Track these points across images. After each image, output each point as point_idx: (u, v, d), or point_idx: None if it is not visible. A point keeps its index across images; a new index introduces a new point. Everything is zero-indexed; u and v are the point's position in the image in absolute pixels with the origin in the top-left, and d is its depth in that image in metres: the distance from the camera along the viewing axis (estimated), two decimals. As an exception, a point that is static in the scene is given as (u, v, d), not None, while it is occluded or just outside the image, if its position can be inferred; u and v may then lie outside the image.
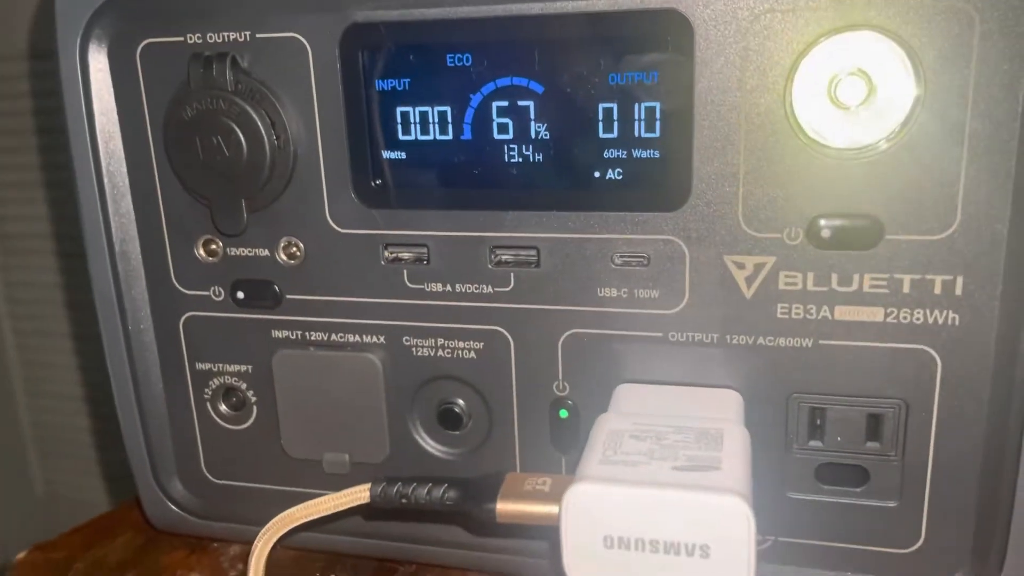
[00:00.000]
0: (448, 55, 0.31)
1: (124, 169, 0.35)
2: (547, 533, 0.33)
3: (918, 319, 0.29)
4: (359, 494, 0.29)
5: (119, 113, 0.35)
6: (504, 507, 0.27)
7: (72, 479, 1.29)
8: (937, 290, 0.29)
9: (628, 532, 0.25)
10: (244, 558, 0.39)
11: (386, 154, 0.32)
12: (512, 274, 0.33)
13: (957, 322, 0.29)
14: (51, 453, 1.33)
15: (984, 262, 0.28)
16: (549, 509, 0.27)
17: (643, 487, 0.25)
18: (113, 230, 0.36)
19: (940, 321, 0.29)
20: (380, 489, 0.29)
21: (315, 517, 0.30)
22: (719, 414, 0.30)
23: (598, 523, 0.25)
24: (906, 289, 0.29)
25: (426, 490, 0.28)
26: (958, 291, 0.29)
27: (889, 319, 0.29)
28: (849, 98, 0.28)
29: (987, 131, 0.27)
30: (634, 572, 0.25)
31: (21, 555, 0.41)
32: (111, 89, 0.34)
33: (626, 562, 0.25)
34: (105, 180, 0.35)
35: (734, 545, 0.24)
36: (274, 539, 0.30)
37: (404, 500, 0.28)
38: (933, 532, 0.31)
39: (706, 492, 0.24)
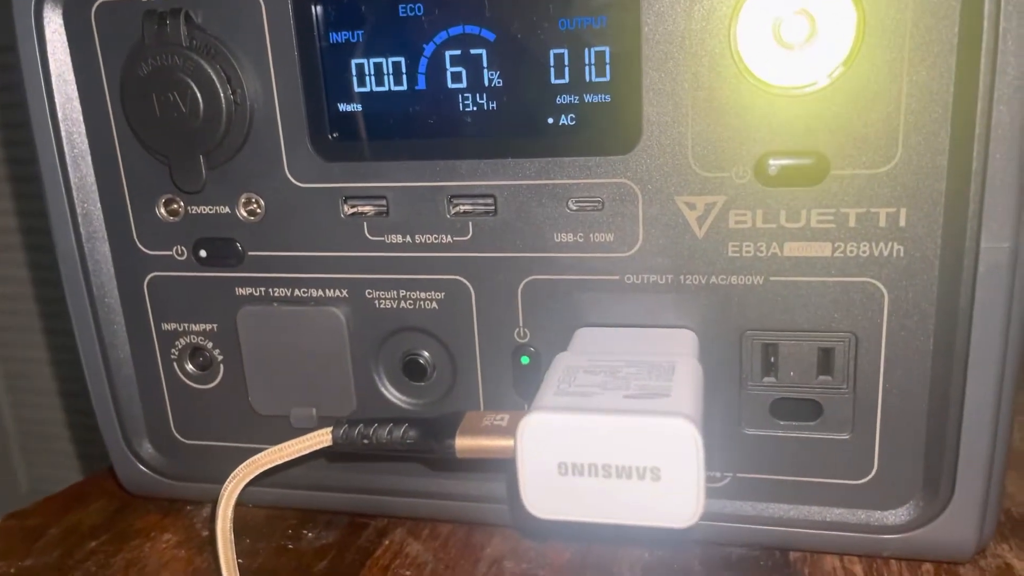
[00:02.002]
0: (400, 5, 0.31)
1: (83, 131, 0.35)
2: (508, 471, 0.33)
3: (864, 252, 0.30)
4: (321, 437, 0.29)
5: (76, 75, 0.35)
6: (463, 442, 0.28)
7: (56, 474, 1.29)
8: (882, 223, 0.30)
9: (582, 458, 0.25)
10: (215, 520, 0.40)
11: (342, 107, 0.33)
12: (470, 223, 0.33)
13: (902, 254, 0.30)
14: (34, 449, 1.33)
15: (926, 193, 0.29)
16: (506, 442, 0.27)
17: (594, 414, 0.25)
18: (74, 192, 0.36)
19: (885, 253, 0.30)
20: (342, 431, 0.29)
21: (280, 462, 0.30)
22: (674, 351, 0.30)
23: (552, 451, 0.25)
24: (852, 223, 0.30)
25: (387, 430, 0.29)
26: (902, 222, 0.29)
27: (837, 253, 0.30)
28: (792, 37, 0.29)
29: (925, 65, 0.28)
30: (589, 497, 0.25)
31: (-6, 523, 0.41)
32: (67, 51, 0.34)
33: (581, 488, 0.25)
34: (64, 143, 0.35)
35: (683, 466, 0.24)
36: (241, 485, 0.30)
37: (365, 441, 0.29)
38: (885, 463, 0.32)
39: (654, 416, 0.25)
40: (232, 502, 0.30)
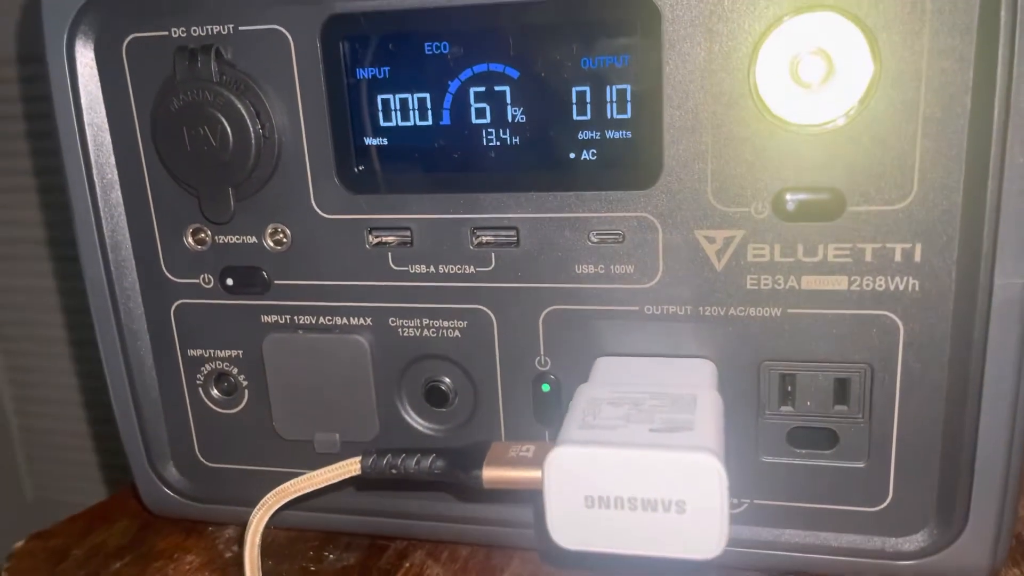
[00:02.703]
0: (426, 43, 0.32)
1: (113, 161, 0.36)
2: (533, 500, 0.34)
3: (880, 286, 0.31)
4: (350, 467, 0.30)
5: (107, 107, 0.35)
6: (490, 473, 0.29)
7: (62, 483, 1.29)
8: (897, 258, 0.30)
9: (608, 491, 0.26)
10: (239, 540, 0.40)
11: (368, 140, 0.33)
12: (493, 254, 0.34)
13: (917, 288, 0.30)
14: (40, 458, 1.33)
15: (940, 230, 0.30)
16: (533, 473, 0.28)
17: (621, 448, 0.26)
18: (103, 222, 0.37)
19: (901, 287, 0.31)
20: (371, 461, 0.30)
21: (308, 490, 0.31)
22: (694, 382, 0.31)
23: (579, 484, 0.26)
24: (868, 258, 0.30)
25: (415, 460, 0.29)
26: (917, 258, 0.30)
27: (853, 287, 0.31)
28: (810, 76, 0.29)
29: (940, 105, 0.29)
30: (615, 530, 0.26)
31: (19, 544, 0.42)
32: (98, 84, 0.35)
33: (607, 521, 0.26)
34: (95, 173, 0.36)
35: (707, 499, 0.25)
36: (269, 513, 0.31)
37: (394, 471, 0.30)
38: (900, 490, 0.33)
39: (679, 450, 0.25)
40: (260, 529, 0.31)
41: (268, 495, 0.31)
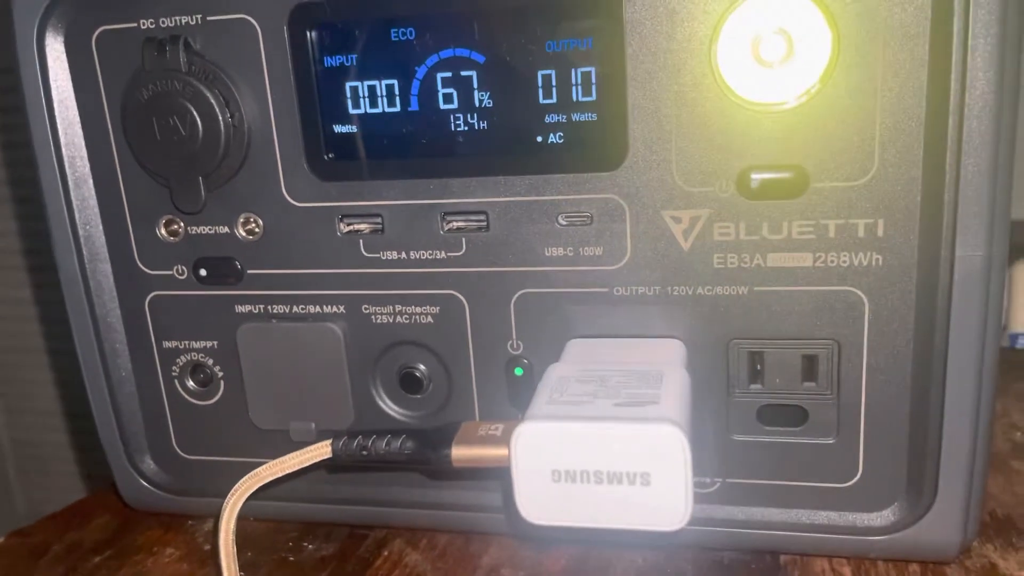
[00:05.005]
0: (392, 29, 0.32)
1: (85, 154, 0.36)
2: (503, 481, 0.34)
3: (844, 262, 0.31)
4: (321, 449, 0.30)
5: (77, 100, 0.36)
6: (459, 452, 0.29)
7: (53, 495, 1.29)
8: (861, 233, 0.31)
9: (574, 466, 0.26)
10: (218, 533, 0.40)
11: (337, 128, 0.34)
12: (464, 239, 0.34)
13: (881, 263, 0.31)
14: (30, 470, 1.33)
15: (902, 204, 0.30)
16: (501, 451, 0.28)
17: (585, 422, 0.26)
18: (76, 215, 0.37)
19: (865, 263, 0.31)
20: (341, 443, 0.30)
21: (281, 474, 0.31)
22: (662, 360, 0.31)
23: (546, 459, 0.26)
24: (832, 234, 0.31)
25: (385, 441, 0.30)
26: (880, 233, 0.30)
27: (818, 263, 0.31)
28: (771, 56, 0.30)
29: (898, 82, 0.29)
30: (582, 503, 0.26)
31: (-2, 541, 0.42)
32: (69, 77, 0.35)
33: (574, 494, 0.26)
34: (67, 167, 0.36)
35: (671, 470, 0.25)
36: (243, 499, 0.31)
37: (364, 452, 0.30)
38: (869, 466, 0.33)
39: (643, 422, 0.26)
40: (234, 515, 0.31)
41: (241, 481, 0.31)
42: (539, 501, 0.27)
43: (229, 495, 0.31)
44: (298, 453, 0.31)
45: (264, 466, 0.31)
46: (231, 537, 0.31)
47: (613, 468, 0.26)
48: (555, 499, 0.27)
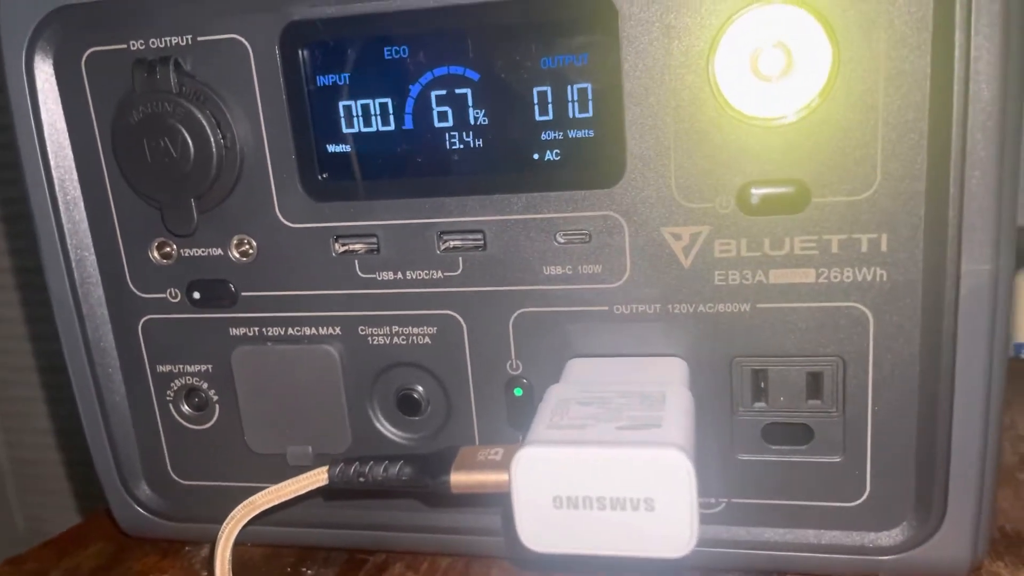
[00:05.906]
0: (385, 48, 0.32)
1: (75, 177, 0.36)
2: (504, 505, 0.34)
3: (848, 277, 0.30)
4: (318, 476, 0.30)
5: (67, 123, 0.35)
6: (458, 478, 0.28)
7: (53, 515, 1.28)
8: (864, 248, 0.30)
9: (576, 491, 0.25)
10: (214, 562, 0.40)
11: (331, 148, 0.33)
12: (460, 258, 0.33)
13: (885, 278, 0.30)
14: (30, 489, 1.32)
15: (906, 219, 0.30)
16: (500, 476, 0.27)
17: (587, 446, 0.25)
18: (68, 239, 0.36)
19: (869, 278, 0.30)
20: (338, 470, 0.29)
21: (277, 502, 0.30)
22: (664, 380, 0.31)
23: (547, 484, 0.26)
24: (835, 249, 0.30)
25: (382, 467, 0.29)
26: (883, 248, 0.30)
27: (821, 279, 0.31)
28: (770, 70, 0.29)
29: (900, 94, 0.28)
30: (584, 530, 0.26)
31: (-8, 570, 0.41)
32: (58, 100, 0.35)
33: (576, 520, 0.26)
34: (57, 190, 0.36)
35: (676, 496, 0.25)
36: (239, 527, 0.31)
37: (362, 478, 0.29)
38: (877, 485, 0.32)
39: (647, 447, 0.25)
40: (230, 544, 0.30)
41: (237, 508, 0.31)
42: (540, 528, 0.26)
43: (224, 524, 0.31)
44: (294, 480, 0.30)
45: (260, 494, 0.31)
46: (228, 566, 0.31)
47: (616, 494, 0.25)
48: (557, 526, 0.26)
